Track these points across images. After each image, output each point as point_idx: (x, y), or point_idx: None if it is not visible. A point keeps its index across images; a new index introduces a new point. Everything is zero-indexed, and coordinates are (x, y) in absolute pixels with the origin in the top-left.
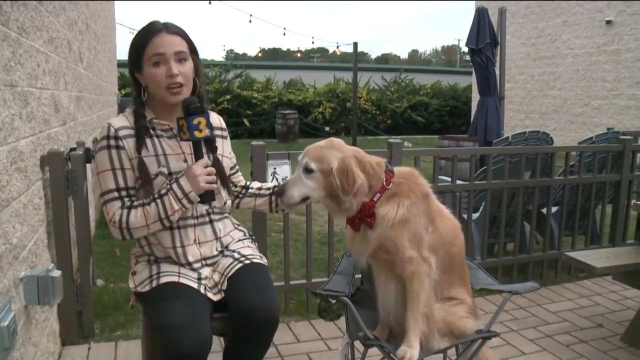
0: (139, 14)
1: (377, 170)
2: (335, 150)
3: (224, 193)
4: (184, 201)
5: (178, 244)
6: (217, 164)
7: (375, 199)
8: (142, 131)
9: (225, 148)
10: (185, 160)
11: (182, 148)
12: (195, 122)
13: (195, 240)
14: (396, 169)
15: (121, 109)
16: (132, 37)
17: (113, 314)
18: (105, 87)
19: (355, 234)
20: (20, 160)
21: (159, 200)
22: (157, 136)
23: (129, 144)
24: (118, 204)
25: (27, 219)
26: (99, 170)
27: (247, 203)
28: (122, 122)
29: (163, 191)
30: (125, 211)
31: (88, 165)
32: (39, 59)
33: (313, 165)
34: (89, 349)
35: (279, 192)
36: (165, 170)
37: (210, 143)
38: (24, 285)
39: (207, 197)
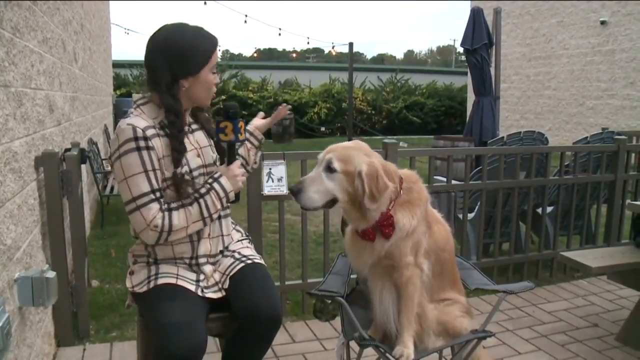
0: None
1: (395, 179)
2: (362, 152)
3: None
4: (224, 200)
5: (195, 237)
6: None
7: (390, 208)
8: (182, 133)
9: None
10: (199, 155)
11: (192, 143)
12: (239, 125)
13: (209, 234)
14: (400, 173)
15: (117, 110)
16: (125, 37)
17: (108, 315)
18: (100, 88)
19: (365, 244)
20: (15, 160)
21: (201, 200)
22: None
23: (157, 143)
24: (156, 206)
25: (21, 219)
26: (128, 174)
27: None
28: (145, 122)
29: (203, 190)
30: (166, 214)
31: (83, 166)
32: (33, 59)
33: (337, 165)
34: (84, 350)
35: (295, 191)
36: (187, 168)
37: (242, 143)
38: (18, 287)
39: (237, 196)
